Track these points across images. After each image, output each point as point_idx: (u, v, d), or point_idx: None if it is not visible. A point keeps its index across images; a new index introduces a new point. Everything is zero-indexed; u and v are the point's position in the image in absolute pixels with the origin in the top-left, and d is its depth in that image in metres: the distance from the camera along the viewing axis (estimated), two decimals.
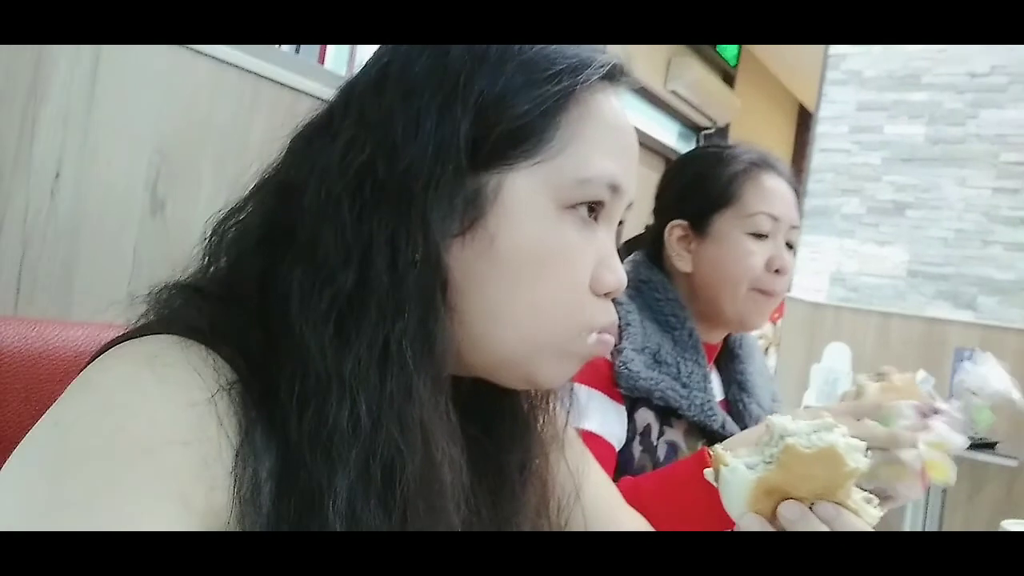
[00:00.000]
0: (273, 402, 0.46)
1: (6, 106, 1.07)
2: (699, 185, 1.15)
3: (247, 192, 0.55)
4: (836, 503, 0.53)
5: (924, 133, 3.71)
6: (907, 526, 2.94)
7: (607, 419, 1.02)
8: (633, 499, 0.83)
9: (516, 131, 0.51)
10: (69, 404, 0.44)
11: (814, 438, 0.52)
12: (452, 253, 0.51)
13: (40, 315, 1.11)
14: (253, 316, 0.49)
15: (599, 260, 0.55)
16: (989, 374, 0.96)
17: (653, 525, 0.83)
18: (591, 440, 0.98)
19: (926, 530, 3.35)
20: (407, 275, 0.48)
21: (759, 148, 1.18)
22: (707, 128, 4.28)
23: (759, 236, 1.11)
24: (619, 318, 1.05)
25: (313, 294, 0.47)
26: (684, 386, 1.06)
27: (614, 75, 0.57)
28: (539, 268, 0.52)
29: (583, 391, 1.00)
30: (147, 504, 0.39)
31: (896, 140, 3.78)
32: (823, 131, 3.95)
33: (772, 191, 1.12)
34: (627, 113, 0.58)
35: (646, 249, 1.21)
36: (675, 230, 1.16)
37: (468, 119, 0.50)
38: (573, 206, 0.53)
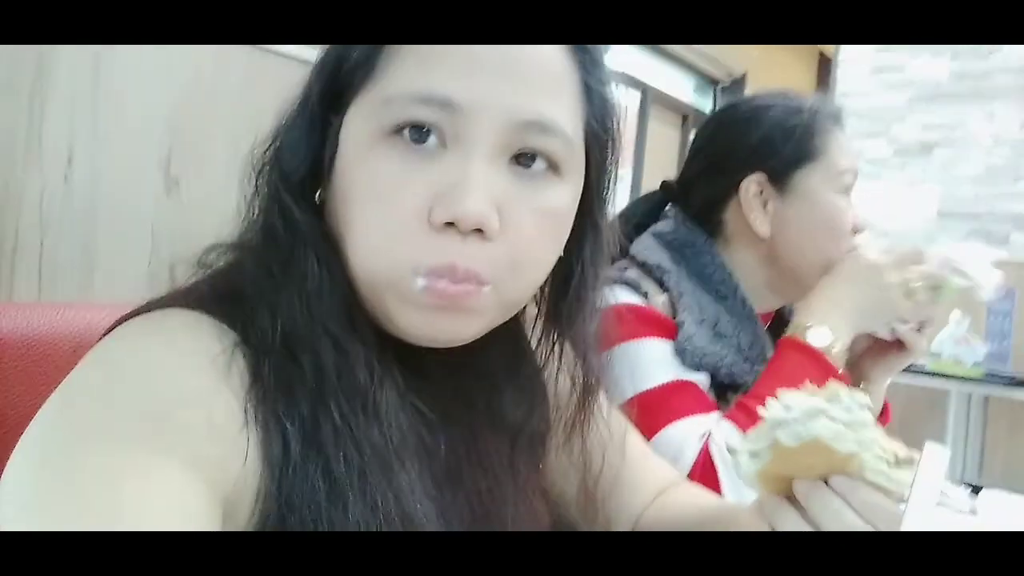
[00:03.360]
0: (272, 354, 0.48)
1: (14, 95, 1.06)
2: (781, 136, 1.01)
3: None
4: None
5: (949, 68, 3.61)
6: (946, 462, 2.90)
7: (684, 367, 0.95)
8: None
9: (353, 69, 0.51)
10: (77, 379, 0.44)
11: (800, 430, 0.48)
12: (324, 199, 0.54)
13: (63, 300, 1.11)
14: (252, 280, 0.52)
15: (442, 188, 0.49)
16: (976, 260, 0.95)
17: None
18: (684, 388, 0.93)
19: (966, 467, 3.32)
20: (289, 229, 0.52)
21: (820, 98, 1.07)
22: (723, 82, 4.17)
23: (846, 194, 1.02)
24: (669, 288, 0.99)
25: (253, 250, 0.53)
26: (746, 360, 0.98)
27: None
28: (362, 201, 0.50)
29: (657, 343, 0.95)
30: (159, 473, 0.40)
31: (920, 78, 3.68)
32: (844, 73, 3.86)
33: (850, 147, 1.04)
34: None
35: (689, 207, 1.08)
36: (752, 186, 1.02)
37: (323, 78, 0.53)
38: (397, 131, 0.50)
